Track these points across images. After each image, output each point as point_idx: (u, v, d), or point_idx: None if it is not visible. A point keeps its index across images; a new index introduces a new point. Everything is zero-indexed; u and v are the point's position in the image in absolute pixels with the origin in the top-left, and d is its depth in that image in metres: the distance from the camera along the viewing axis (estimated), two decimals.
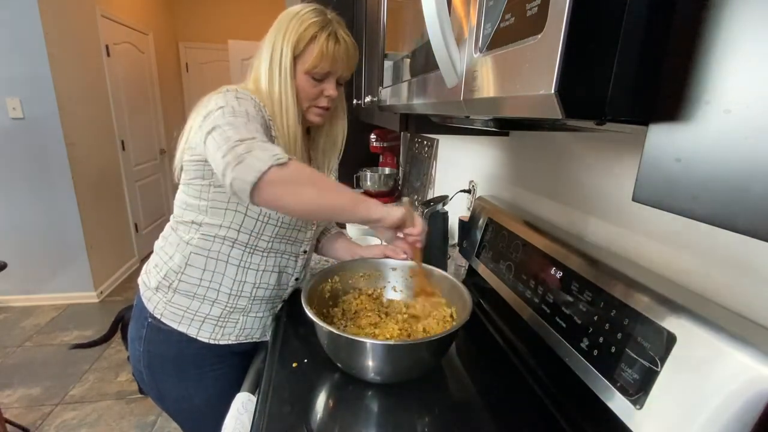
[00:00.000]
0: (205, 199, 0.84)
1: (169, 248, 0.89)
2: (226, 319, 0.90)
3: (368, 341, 0.67)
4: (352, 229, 1.56)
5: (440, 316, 0.85)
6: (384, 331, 0.81)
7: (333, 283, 0.92)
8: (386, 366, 0.71)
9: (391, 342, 0.69)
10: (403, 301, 0.94)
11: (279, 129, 0.83)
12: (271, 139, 0.81)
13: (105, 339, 2.07)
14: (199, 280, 0.87)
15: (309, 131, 0.99)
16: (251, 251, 0.88)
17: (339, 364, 0.76)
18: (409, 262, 0.94)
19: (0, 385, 2.11)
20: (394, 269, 0.96)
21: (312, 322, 0.71)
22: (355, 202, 0.72)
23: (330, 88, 0.88)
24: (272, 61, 0.83)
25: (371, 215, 0.72)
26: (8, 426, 1.79)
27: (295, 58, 0.84)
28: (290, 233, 0.91)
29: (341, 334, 0.67)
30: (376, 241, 1.43)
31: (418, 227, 0.79)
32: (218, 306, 0.89)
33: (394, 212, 0.74)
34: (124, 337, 2.00)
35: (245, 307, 0.92)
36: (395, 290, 0.96)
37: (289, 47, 0.82)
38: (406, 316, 0.88)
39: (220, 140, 0.67)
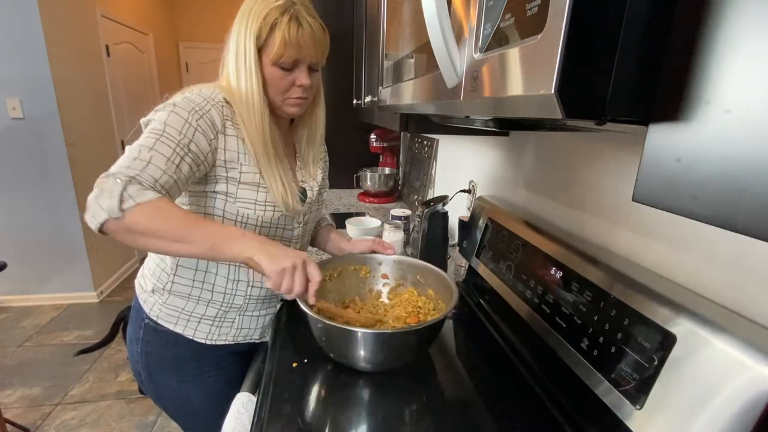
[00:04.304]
0: (185, 204, 0.84)
1: None
2: (222, 319, 0.90)
3: (359, 330, 0.70)
4: (352, 230, 1.56)
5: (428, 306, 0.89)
6: (363, 319, 0.84)
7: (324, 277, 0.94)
8: (376, 354, 0.73)
9: (380, 330, 0.71)
10: (389, 293, 0.97)
11: (248, 127, 0.80)
12: (210, 150, 0.76)
13: (107, 341, 2.06)
14: (192, 281, 0.86)
15: (292, 122, 0.96)
16: None
17: (332, 355, 0.77)
18: (395, 257, 0.98)
19: (0, 385, 2.11)
20: (380, 263, 0.99)
21: (306, 317, 0.73)
22: (208, 247, 0.67)
23: (302, 78, 0.81)
24: (237, 57, 0.78)
25: (234, 254, 0.68)
26: (8, 426, 1.79)
27: (260, 49, 0.78)
28: (274, 232, 0.89)
29: (334, 324, 0.70)
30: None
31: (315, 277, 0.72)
32: (213, 306, 0.89)
33: (264, 253, 0.67)
34: (126, 338, 1.99)
35: (241, 306, 0.91)
36: (382, 283, 0.99)
37: (252, 40, 0.77)
38: (391, 308, 0.92)
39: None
